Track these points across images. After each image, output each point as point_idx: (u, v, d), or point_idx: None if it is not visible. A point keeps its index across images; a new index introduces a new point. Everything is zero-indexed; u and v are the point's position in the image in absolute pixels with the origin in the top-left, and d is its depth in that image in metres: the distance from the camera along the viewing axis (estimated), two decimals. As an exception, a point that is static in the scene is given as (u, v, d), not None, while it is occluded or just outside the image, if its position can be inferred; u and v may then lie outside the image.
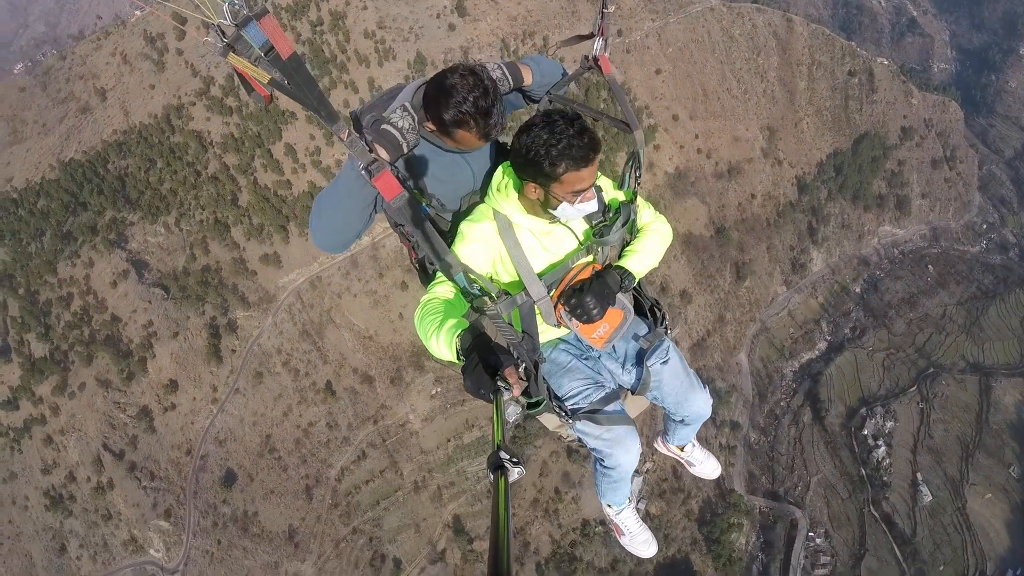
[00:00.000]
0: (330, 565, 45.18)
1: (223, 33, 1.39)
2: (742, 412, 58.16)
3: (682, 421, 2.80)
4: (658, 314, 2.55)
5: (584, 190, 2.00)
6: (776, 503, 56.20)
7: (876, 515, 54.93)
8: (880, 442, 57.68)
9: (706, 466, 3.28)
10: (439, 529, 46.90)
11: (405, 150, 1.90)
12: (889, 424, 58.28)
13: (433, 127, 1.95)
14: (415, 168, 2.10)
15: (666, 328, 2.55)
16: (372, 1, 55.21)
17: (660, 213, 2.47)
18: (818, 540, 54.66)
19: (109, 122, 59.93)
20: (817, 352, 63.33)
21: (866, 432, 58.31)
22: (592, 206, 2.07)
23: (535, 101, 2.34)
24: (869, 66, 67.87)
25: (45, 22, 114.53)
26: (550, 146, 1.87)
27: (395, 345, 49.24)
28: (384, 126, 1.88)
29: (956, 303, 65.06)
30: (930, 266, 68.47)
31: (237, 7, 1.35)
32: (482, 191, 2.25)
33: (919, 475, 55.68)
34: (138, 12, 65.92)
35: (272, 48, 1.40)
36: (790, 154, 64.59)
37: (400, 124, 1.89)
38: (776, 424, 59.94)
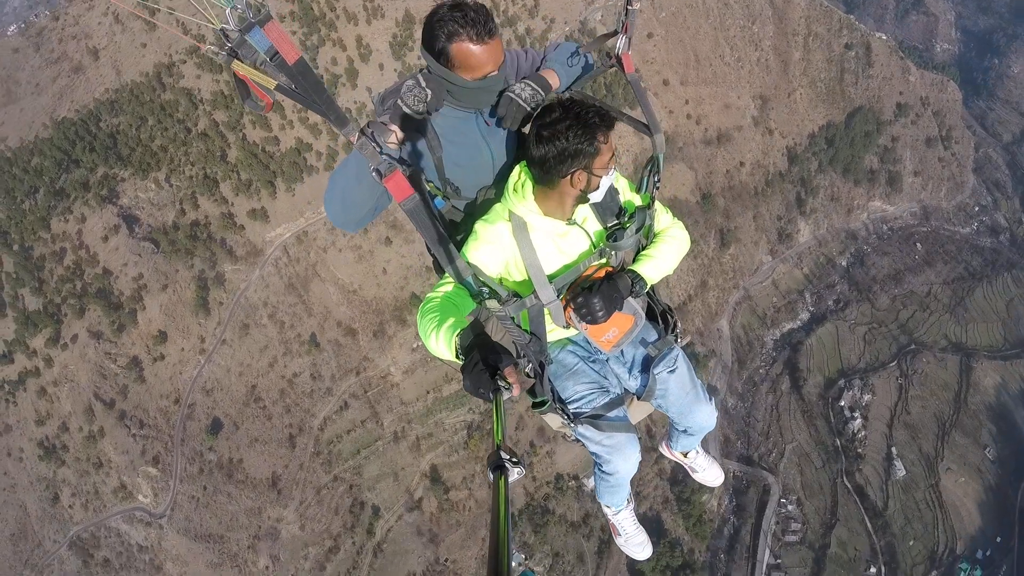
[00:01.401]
0: (311, 511, 47.32)
1: (227, 38, 1.40)
2: (720, 377, 59.50)
3: (685, 431, 2.82)
4: (670, 321, 2.55)
5: (613, 155, 2.04)
6: (750, 468, 57.56)
7: (849, 486, 56.15)
8: (856, 414, 58.71)
9: (709, 473, 3.31)
10: (417, 478, 48.86)
11: (421, 108, 1.93)
12: (866, 397, 59.23)
13: (438, 64, 1.95)
14: (435, 148, 2.10)
15: (676, 336, 2.54)
16: (360, -41, 55.50)
17: (678, 219, 2.47)
18: (790, 507, 55.96)
19: (101, 81, 60.77)
20: (799, 322, 64.26)
21: (843, 403, 59.38)
22: (613, 173, 2.10)
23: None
24: (867, 40, 67.53)
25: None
26: (581, 125, 1.89)
27: (378, 299, 50.73)
28: (397, 101, 1.94)
29: (942, 282, 65.59)
30: (918, 244, 68.86)
31: (240, 11, 1.36)
32: (497, 188, 2.25)
33: (894, 449, 56.84)
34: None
35: (277, 53, 1.41)
36: (782, 124, 64.80)
37: (409, 96, 1.92)
38: (754, 391, 61.21)
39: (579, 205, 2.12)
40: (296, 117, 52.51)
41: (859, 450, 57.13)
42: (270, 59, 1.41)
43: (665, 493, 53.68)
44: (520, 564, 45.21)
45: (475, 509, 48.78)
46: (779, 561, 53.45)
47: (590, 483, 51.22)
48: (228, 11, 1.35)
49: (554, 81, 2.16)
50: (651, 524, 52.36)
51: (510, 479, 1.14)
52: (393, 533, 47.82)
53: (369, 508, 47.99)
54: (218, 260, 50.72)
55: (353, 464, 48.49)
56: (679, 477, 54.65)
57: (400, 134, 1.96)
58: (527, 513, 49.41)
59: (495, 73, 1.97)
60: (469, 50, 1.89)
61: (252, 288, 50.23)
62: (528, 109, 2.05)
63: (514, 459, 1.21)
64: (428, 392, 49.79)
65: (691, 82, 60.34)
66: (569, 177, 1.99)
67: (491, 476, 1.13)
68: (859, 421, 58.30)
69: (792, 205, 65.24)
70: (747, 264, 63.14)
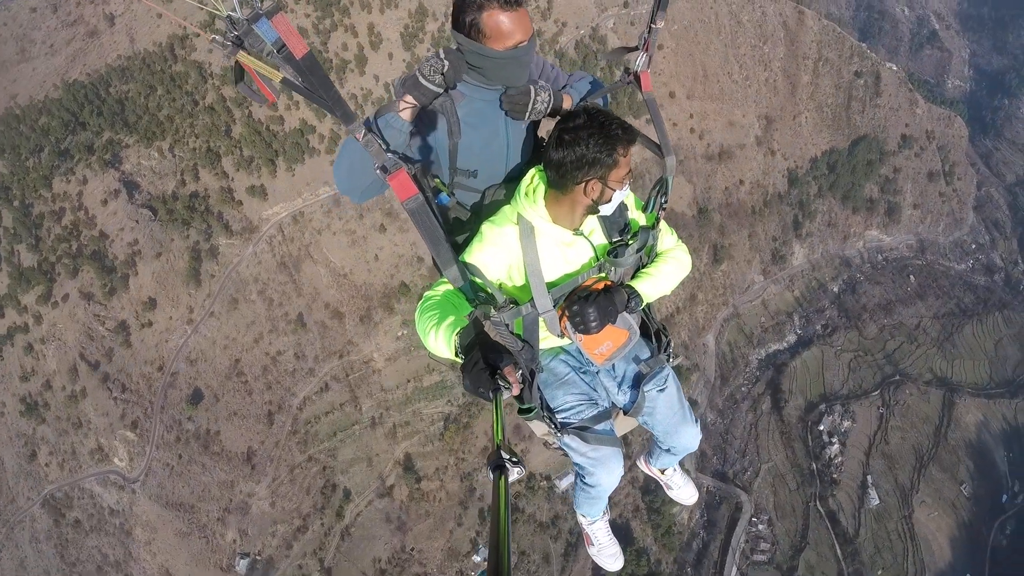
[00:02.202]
0: (283, 489, 48.20)
1: (234, 25, 1.37)
2: (702, 392, 60.27)
3: (668, 450, 2.87)
4: (663, 340, 2.57)
5: (630, 170, 2.05)
6: (724, 484, 58.17)
7: (821, 510, 56.69)
8: (834, 439, 59.34)
9: (684, 491, 3.37)
10: (390, 465, 49.71)
11: (433, 87, 1.96)
12: (846, 423, 59.91)
13: (468, 37, 1.98)
14: (454, 133, 2.13)
15: (669, 356, 2.57)
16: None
17: (682, 243, 2.50)
18: (761, 526, 56.55)
19: (115, 47, 61.94)
20: (785, 344, 65.09)
21: (822, 428, 60.04)
22: (627, 189, 2.12)
23: None
24: (877, 69, 68.43)
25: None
26: (603, 135, 1.90)
27: (368, 285, 51.67)
28: (415, 73, 1.98)
29: (932, 316, 66.40)
30: (912, 276, 69.69)
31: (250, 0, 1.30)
32: (507, 188, 2.27)
33: (869, 478, 57.41)
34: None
35: (284, 46, 1.39)
36: (784, 145, 65.70)
37: (426, 67, 1.95)
38: (734, 408, 61.98)
39: (588, 216, 2.13)
40: (302, 99, 53.46)
41: (834, 475, 57.71)
42: (277, 51, 1.40)
43: (636, 501, 54.43)
44: (485, 560, 46.09)
45: (445, 501, 49.62)
46: (745, 579, 53.43)
47: (562, 484, 51.93)
48: (236, 0, 1.34)
49: (567, 105, 2.24)
50: (620, 531, 53.07)
51: (510, 479, 1.15)
52: (362, 518, 48.67)
53: (341, 491, 48.86)
54: (213, 233, 51.73)
55: (328, 446, 49.37)
56: (651, 487, 55.36)
57: (412, 101, 1.98)
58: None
59: (525, 43, 1.99)
60: (499, 19, 1.92)
61: (244, 263, 51.20)
62: (528, 116, 2.14)
63: (514, 459, 1.22)
64: (409, 381, 50.68)
65: (697, 96, 61.27)
66: (583, 185, 2.00)
67: (491, 476, 1.13)
68: (837, 447, 58.89)
69: (788, 227, 66.10)
70: (738, 282, 63.96)
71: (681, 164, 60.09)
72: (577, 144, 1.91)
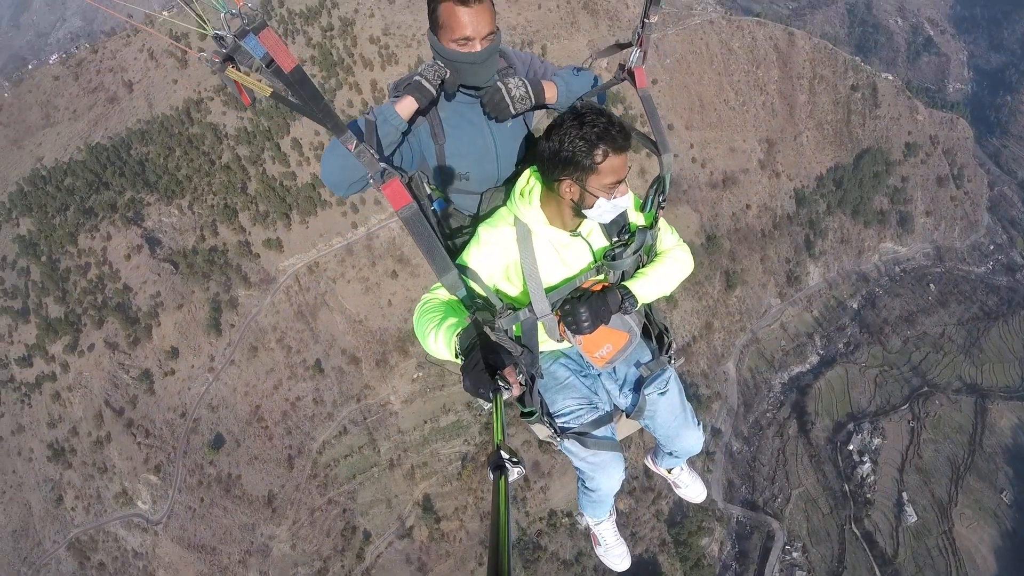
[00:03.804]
0: (304, 531, 50.26)
1: (223, 41, 1.44)
2: (725, 420, 61.27)
3: (671, 453, 2.97)
4: (665, 342, 2.63)
5: (619, 182, 2.02)
6: (754, 513, 58.36)
7: (857, 532, 55.99)
8: (866, 458, 59.18)
9: (692, 489, 3.44)
10: (409, 506, 51.56)
11: (432, 90, 2.03)
12: (876, 441, 59.79)
13: (434, 36, 2.01)
14: (438, 135, 2.17)
15: (670, 358, 2.61)
16: (379, 9, 62.39)
17: (683, 242, 2.50)
18: (795, 554, 56.06)
19: (134, 112, 68.09)
20: (808, 365, 66.00)
21: (852, 448, 60.03)
22: (626, 200, 2.10)
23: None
24: (873, 81, 71.56)
25: (82, 17, 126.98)
26: (584, 135, 1.90)
27: (383, 330, 54.86)
28: (415, 77, 2.07)
29: (956, 323, 66.76)
30: (932, 285, 70.53)
31: (235, 15, 1.40)
32: (506, 191, 2.29)
33: (905, 494, 56.80)
34: (165, 13, 74.73)
35: (273, 60, 1.45)
36: (788, 167, 68.44)
37: (429, 71, 2.04)
38: (760, 434, 62.63)
39: (580, 217, 2.13)
40: (313, 155, 58.41)
41: (868, 495, 57.38)
42: (267, 66, 1.45)
43: (662, 535, 55.02)
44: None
45: (465, 540, 51.07)
46: (783, 611, 52.92)
47: (584, 520, 52.98)
48: (223, 16, 1.40)
49: (550, 93, 2.21)
50: (647, 567, 53.53)
51: (510, 479, 1.17)
52: (382, 559, 50.29)
53: (360, 533, 50.71)
54: (233, 284, 55.76)
55: (348, 488, 51.55)
56: (676, 519, 56.12)
57: (412, 103, 2.03)
58: (518, 548, 51.43)
59: (477, 48, 1.98)
60: (455, 11, 1.91)
61: (263, 313, 54.92)
62: (512, 109, 2.11)
63: (514, 459, 1.23)
64: (425, 422, 53.09)
65: (696, 126, 64.73)
66: (560, 184, 2.03)
67: (491, 476, 1.14)
68: (868, 466, 58.74)
69: (801, 247, 68.06)
70: (754, 307, 65.66)
71: (685, 194, 63.05)
72: (555, 138, 1.96)
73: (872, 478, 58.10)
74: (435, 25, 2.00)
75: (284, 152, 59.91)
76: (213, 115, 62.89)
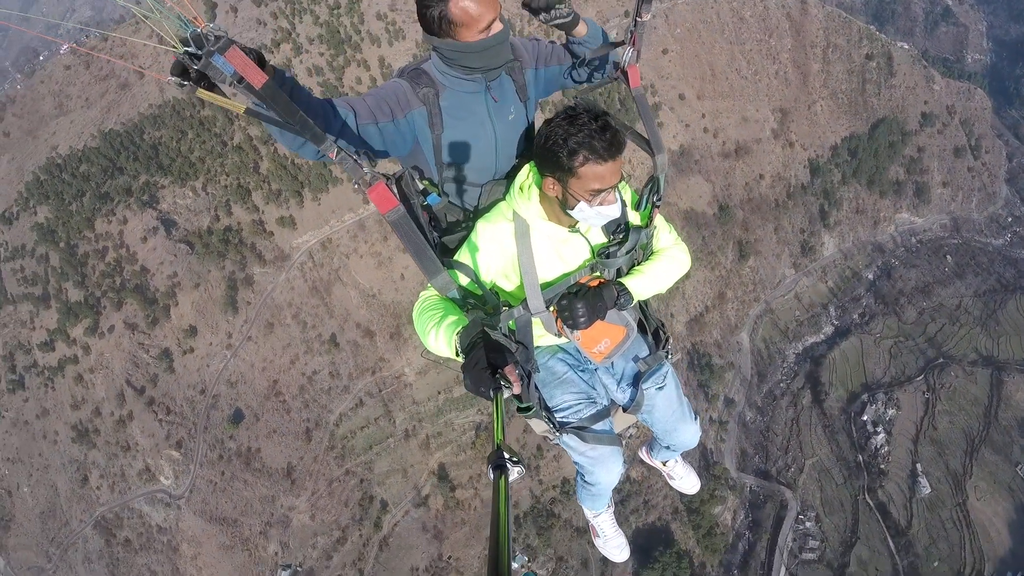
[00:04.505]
0: (322, 502, 51.87)
1: (193, 59, 1.39)
2: (738, 390, 61.74)
3: (667, 447, 3.04)
4: (661, 337, 2.67)
5: (603, 191, 2.01)
6: (767, 483, 59.09)
7: (871, 503, 56.60)
8: (880, 429, 59.48)
9: (686, 481, 3.53)
10: (425, 475, 53.00)
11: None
12: (891, 412, 60.06)
13: (440, 35, 1.98)
14: (436, 125, 2.15)
15: (667, 353, 2.65)
16: (386, -16, 62.75)
17: (681, 241, 2.53)
18: (808, 524, 56.80)
19: (145, 97, 69.12)
20: (823, 336, 66.27)
21: (866, 418, 60.32)
22: (614, 211, 2.10)
23: (576, 57, 2.35)
24: (888, 50, 70.74)
25: (91, 6, 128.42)
26: (569, 136, 1.91)
27: (396, 303, 55.94)
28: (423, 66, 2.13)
29: (973, 295, 66.65)
30: (948, 256, 70.28)
31: (199, 33, 1.38)
32: (505, 186, 2.31)
33: (919, 466, 57.23)
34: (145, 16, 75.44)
35: (243, 78, 1.44)
36: (802, 136, 68.08)
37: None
38: (774, 405, 63.13)
39: (567, 211, 2.12)
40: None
41: (882, 466, 57.83)
42: (238, 82, 1.45)
43: (675, 503, 55.94)
44: (523, 566, 47.73)
45: (480, 508, 52.40)
46: (796, 579, 53.62)
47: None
48: (189, 35, 1.39)
49: (581, 26, 2.23)
50: (659, 535, 54.56)
51: (510, 478, 1.19)
52: (399, 528, 51.84)
53: (378, 502, 52.25)
54: (248, 263, 57.05)
55: (365, 459, 53.01)
56: (690, 487, 56.85)
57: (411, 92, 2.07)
58: (532, 516, 52.66)
59: (500, 27, 1.99)
60: (467, 4, 1.89)
61: (278, 290, 56.21)
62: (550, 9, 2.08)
63: (514, 458, 1.25)
64: (439, 393, 54.29)
65: (707, 96, 64.51)
66: (545, 179, 2.07)
67: (491, 475, 1.16)
68: (882, 436, 59.11)
69: (815, 218, 67.95)
70: (768, 277, 65.81)
71: (697, 164, 62.99)
72: (545, 133, 2.00)
73: (886, 449, 58.47)
74: (449, 28, 1.96)
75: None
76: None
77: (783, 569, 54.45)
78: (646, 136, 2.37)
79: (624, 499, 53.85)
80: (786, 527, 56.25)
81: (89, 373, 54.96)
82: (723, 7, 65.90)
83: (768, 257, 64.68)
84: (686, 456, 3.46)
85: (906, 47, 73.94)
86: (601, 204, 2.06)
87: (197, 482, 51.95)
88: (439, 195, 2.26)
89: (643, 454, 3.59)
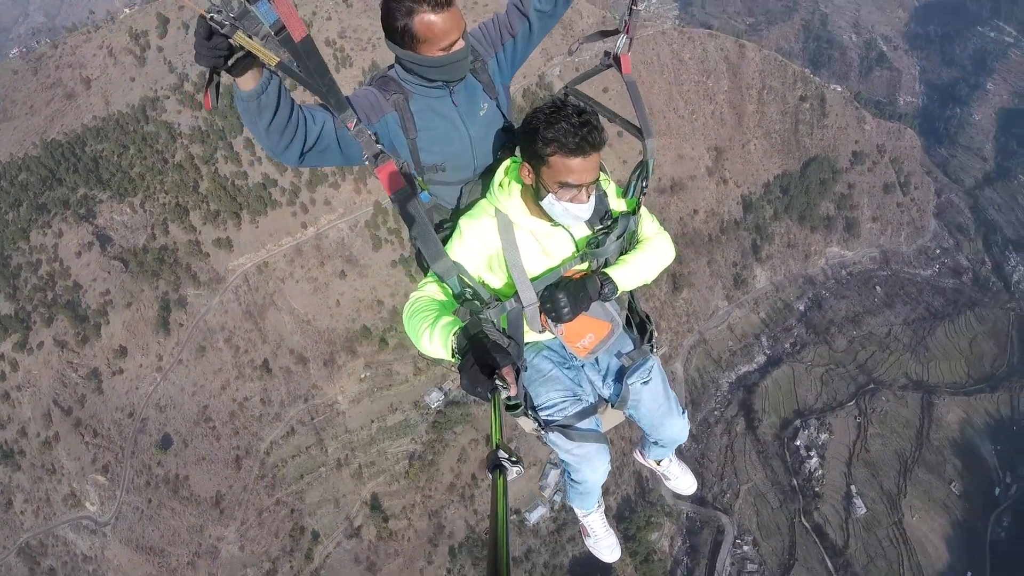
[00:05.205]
0: (252, 532, 51.31)
1: (229, 6, 1.38)
2: (673, 419, 63.28)
3: (656, 442, 3.00)
4: (647, 331, 2.69)
5: (573, 185, 2.02)
6: (703, 508, 60.24)
7: (807, 525, 57.58)
8: (813, 453, 61.01)
9: (682, 481, 3.51)
10: (357, 505, 53.00)
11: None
12: (823, 436, 61.62)
13: (403, 46, 2.04)
14: (409, 130, 2.19)
15: (652, 346, 2.67)
16: (336, 12, 64.35)
17: (664, 230, 2.54)
18: (746, 547, 57.76)
19: (90, 108, 68.79)
20: (755, 365, 68.70)
21: (799, 443, 61.91)
22: (582, 211, 2.11)
23: (529, 23, 2.38)
24: (821, 92, 75.33)
25: (44, 12, 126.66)
26: (548, 125, 1.94)
27: (331, 330, 56.36)
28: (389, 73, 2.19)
29: (902, 323, 69.80)
30: (878, 287, 73.88)
31: None
32: (484, 183, 2.35)
33: (853, 487, 58.55)
34: (127, 10, 75.74)
35: (283, 28, 1.42)
36: (736, 173, 71.63)
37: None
38: (708, 432, 64.96)
39: (540, 202, 2.15)
40: (264, 154, 59.69)
41: (816, 489, 59.09)
42: (276, 34, 1.43)
43: (611, 531, 56.78)
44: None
45: (414, 539, 52.52)
46: (736, 603, 54.52)
47: (532, 517, 54.67)
48: None
49: (510, 33, 2.33)
50: (596, 563, 54.67)
51: (509, 478, 1.19)
52: (331, 559, 51.50)
53: (309, 533, 51.95)
54: (182, 284, 56.81)
55: (296, 489, 52.78)
56: (624, 513, 58.12)
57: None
58: (467, 546, 52.90)
59: (461, 44, 2.06)
60: (431, 21, 1.94)
61: (212, 312, 56.06)
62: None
63: (513, 458, 1.25)
64: (372, 421, 54.69)
65: (652, 127, 67.14)
66: (523, 166, 2.13)
67: (490, 475, 1.16)
68: (816, 460, 60.54)
69: (748, 252, 71.10)
70: (702, 309, 68.37)
71: (634, 197, 65.05)
72: (528, 117, 2.05)
73: (820, 472, 60.14)
74: (411, 42, 2.02)
75: (236, 151, 61.32)
76: (168, 113, 64.03)
77: (723, 594, 55.07)
78: (634, 123, 2.44)
79: (560, 527, 54.59)
80: (724, 552, 57.24)
81: (16, 391, 53.64)
82: (663, 49, 69.45)
83: (702, 289, 67.39)
84: (680, 455, 3.49)
85: (839, 89, 78.80)
86: (571, 201, 2.08)
87: (123, 509, 50.93)
88: (429, 194, 2.30)
89: (637, 455, 3.56)
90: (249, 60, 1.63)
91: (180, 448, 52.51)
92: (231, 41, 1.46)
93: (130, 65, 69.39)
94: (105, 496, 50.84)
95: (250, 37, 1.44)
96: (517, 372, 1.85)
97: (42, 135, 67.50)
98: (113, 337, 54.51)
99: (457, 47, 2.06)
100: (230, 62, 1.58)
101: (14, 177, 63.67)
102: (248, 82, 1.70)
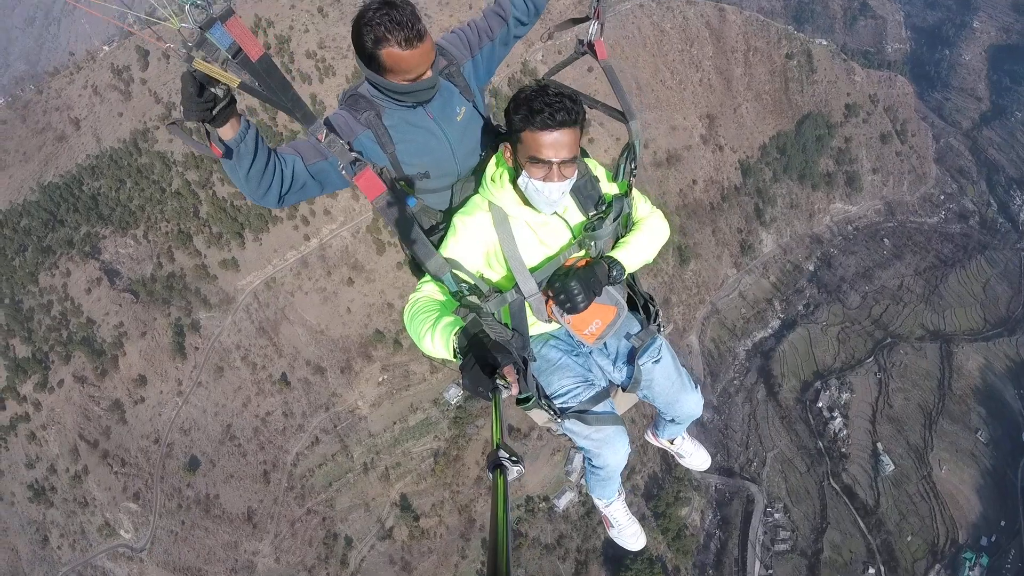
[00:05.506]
0: (286, 544, 52.06)
1: (186, 38, 1.42)
2: (692, 392, 63.38)
3: (672, 420, 3.02)
4: (652, 311, 2.67)
5: (543, 161, 2.02)
6: (731, 479, 60.44)
7: (836, 487, 57.67)
8: (836, 414, 61.10)
9: (696, 457, 3.55)
10: (387, 507, 53.57)
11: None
12: (845, 396, 61.77)
13: (370, 70, 2.04)
14: (386, 144, 2.20)
15: (659, 326, 2.66)
16: (313, 24, 64.79)
17: (657, 208, 2.58)
18: (777, 515, 57.90)
19: (83, 148, 69.87)
20: (770, 330, 68.77)
21: (821, 405, 62.08)
22: (553, 191, 2.09)
23: (522, 24, 2.44)
24: (807, 48, 74.88)
25: (26, 60, 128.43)
26: (525, 102, 1.97)
27: (344, 337, 56.96)
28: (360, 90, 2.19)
29: (914, 273, 69.57)
30: (886, 239, 73.76)
31: (201, 5, 1.42)
32: (475, 179, 2.36)
33: (879, 445, 58.47)
34: (106, 48, 76.70)
35: (240, 51, 1.46)
36: (731, 139, 71.41)
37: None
38: (729, 402, 65.05)
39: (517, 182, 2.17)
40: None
41: (843, 450, 59.13)
42: (233, 57, 1.45)
43: (641, 509, 57.02)
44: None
45: (446, 535, 53.05)
46: (771, 572, 54.89)
47: (561, 503, 54.98)
48: (187, 8, 1.40)
49: (489, 34, 2.37)
50: (629, 542, 55.27)
51: (509, 478, 1.20)
52: (366, 563, 52.15)
53: (342, 539, 52.58)
54: (193, 308, 57.64)
55: (325, 497, 53.45)
56: (653, 492, 58.28)
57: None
58: (499, 536, 53.06)
59: (429, 75, 2.06)
60: (399, 55, 1.94)
61: (225, 333, 56.84)
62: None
63: (513, 458, 1.26)
64: (395, 423, 55.25)
65: (635, 109, 67.18)
66: (505, 147, 2.15)
67: (490, 475, 1.17)
68: (839, 420, 60.65)
69: (751, 217, 70.95)
70: (711, 279, 68.29)
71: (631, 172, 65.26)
72: (513, 96, 2.07)
73: (845, 432, 60.07)
74: (379, 68, 2.02)
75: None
76: (160, 143, 64.88)
77: (757, 563, 55.29)
78: (616, 108, 2.47)
79: (590, 511, 54.78)
80: (755, 521, 57.24)
81: (41, 430, 54.73)
82: (643, 21, 69.26)
83: (709, 259, 67.35)
84: (692, 432, 3.49)
85: (824, 43, 78.29)
86: (543, 180, 2.07)
87: (157, 533, 51.81)
88: (416, 199, 2.32)
89: (649, 436, 3.57)
90: (229, 110, 1.69)
91: (208, 468, 53.35)
92: (215, 91, 1.53)
93: (116, 101, 70.32)
94: (139, 522, 51.79)
95: (208, 63, 1.49)
96: (522, 368, 1.89)
97: (39, 179, 68.71)
98: (131, 367, 55.47)
99: (424, 78, 2.07)
100: (214, 112, 1.64)
101: (16, 224, 64.91)
102: (228, 132, 1.77)
